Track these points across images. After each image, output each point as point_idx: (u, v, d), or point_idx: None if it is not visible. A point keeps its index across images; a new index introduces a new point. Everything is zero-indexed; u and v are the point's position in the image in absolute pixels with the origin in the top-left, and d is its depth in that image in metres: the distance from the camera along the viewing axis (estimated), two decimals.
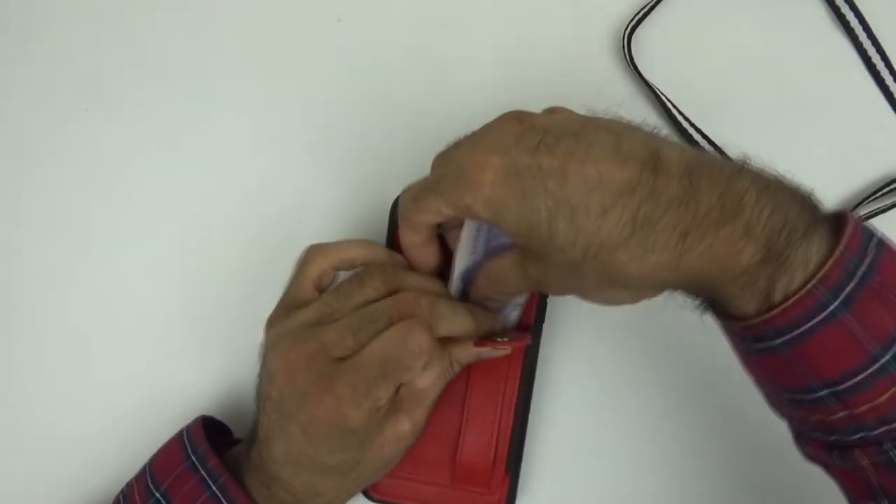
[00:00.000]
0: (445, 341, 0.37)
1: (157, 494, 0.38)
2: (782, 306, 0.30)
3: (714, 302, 0.34)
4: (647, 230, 0.30)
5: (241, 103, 0.49)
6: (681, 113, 0.48)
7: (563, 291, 0.36)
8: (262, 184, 0.48)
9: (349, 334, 0.35)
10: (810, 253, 0.30)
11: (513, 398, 0.43)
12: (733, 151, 0.48)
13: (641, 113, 0.48)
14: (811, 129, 0.49)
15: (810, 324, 0.30)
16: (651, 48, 0.49)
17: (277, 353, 0.37)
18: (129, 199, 0.48)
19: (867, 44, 0.49)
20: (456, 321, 0.37)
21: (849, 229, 0.30)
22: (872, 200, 0.48)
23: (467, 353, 0.38)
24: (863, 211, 0.48)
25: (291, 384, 0.36)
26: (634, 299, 0.34)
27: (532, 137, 0.32)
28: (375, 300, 0.37)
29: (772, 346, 0.31)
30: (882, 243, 0.31)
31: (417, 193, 0.36)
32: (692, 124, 0.48)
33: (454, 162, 0.35)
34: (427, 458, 0.42)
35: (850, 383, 0.30)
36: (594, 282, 0.33)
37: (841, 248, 0.30)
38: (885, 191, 0.48)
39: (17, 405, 0.46)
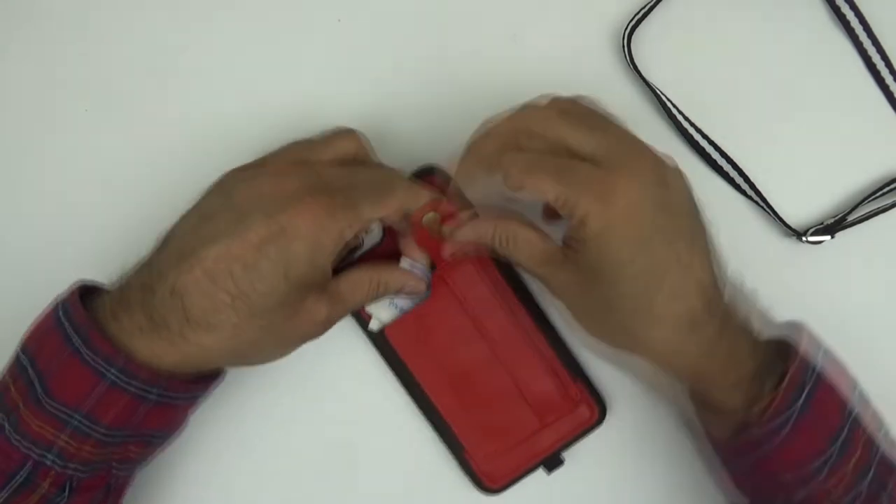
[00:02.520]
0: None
1: (24, 359, 0.36)
2: (771, 402, 0.36)
3: (703, 397, 0.38)
4: (700, 326, 0.36)
5: (240, 103, 0.49)
6: (681, 113, 0.48)
7: (566, 298, 0.38)
8: None
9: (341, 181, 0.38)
10: (777, 366, 0.37)
11: (528, 323, 0.45)
12: (734, 151, 0.48)
13: (641, 113, 0.48)
14: (811, 128, 0.49)
15: (791, 420, 0.35)
16: (651, 48, 0.49)
17: (256, 171, 0.39)
18: (130, 199, 0.48)
19: (867, 44, 0.49)
20: (414, 188, 0.40)
21: (804, 341, 0.37)
22: (872, 200, 0.48)
23: (399, 276, 0.42)
24: (862, 211, 0.48)
25: (279, 189, 0.37)
26: (615, 355, 0.38)
27: (667, 195, 0.35)
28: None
29: (767, 439, 0.36)
30: (827, 352, 0.38)
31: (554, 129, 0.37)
32: (692, 124, 0.48)
33: (622, 151, 0.36)
34: (510, 423, 0.45)
35: (822, 466, 0.36)
36: (609, 321, 0.37)
37: (798, 359, 0.36)
38: (884, 191, 0.48)
39: None
